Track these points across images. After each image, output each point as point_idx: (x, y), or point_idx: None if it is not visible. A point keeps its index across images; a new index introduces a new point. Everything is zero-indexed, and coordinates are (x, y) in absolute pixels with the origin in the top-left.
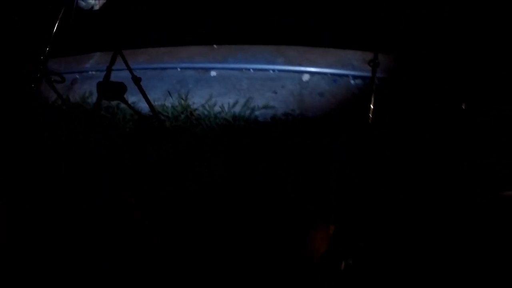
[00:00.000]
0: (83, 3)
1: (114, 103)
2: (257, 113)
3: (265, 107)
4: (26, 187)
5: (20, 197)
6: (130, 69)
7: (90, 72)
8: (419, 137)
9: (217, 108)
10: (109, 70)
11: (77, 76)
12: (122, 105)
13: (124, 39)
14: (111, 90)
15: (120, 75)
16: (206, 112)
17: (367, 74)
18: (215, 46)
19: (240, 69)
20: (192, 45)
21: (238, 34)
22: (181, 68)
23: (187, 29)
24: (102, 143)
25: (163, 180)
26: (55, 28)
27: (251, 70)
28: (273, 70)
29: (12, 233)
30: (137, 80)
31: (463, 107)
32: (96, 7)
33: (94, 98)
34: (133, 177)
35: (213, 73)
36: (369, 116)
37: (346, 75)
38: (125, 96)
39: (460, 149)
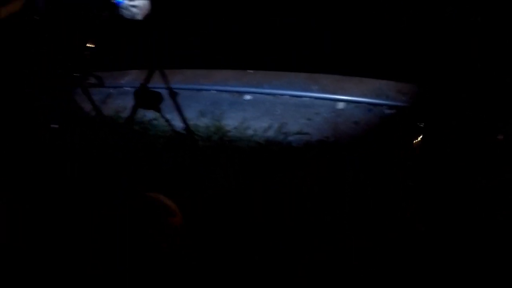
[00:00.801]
0: (125, 12)
1: (146, 118)
2: (290, 138)
3: (299, 133)
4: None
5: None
6: (167, 84)
7: (125, 88)
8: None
9: (250, 131)
10: (147, 80)
11: (112, 91)
12: (155, 122)
13: (162, 57)
14: (148, 98)
15: None
16: (239, 135)
17: (402, 104)
18: (250, 71)
19: (275, 95)
20: (227, 69)
21: (272, 61)
22: (216, 90)
23: (223, 53)
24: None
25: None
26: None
27: (286, 96)
28: (308, 97)
29: (30, 234)
30: (173, 94)
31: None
32: (139, 17)
33: (127, 112)
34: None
35: (247, 97)
36: (408, 145)
37: (381, 105)
38: (159, 114)
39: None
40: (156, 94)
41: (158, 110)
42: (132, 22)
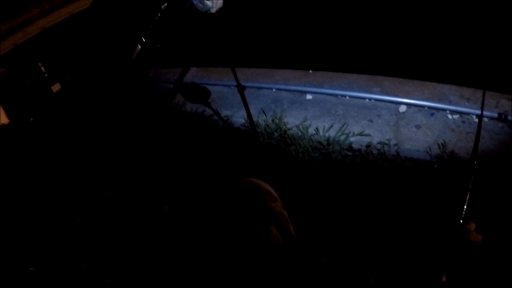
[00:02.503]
0: (199, 5)
1: (207, 114)
2: (352, 139)
3: (360, 134)
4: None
5: None
6: (236, 78)
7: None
8: None
9: (311, 130)
10: (183, 75)
11: (172, 87)
12: (215, 118)
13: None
14: (195, 93)
15: (215, 89)
16: (300, 133)
17: (465, 109)
18: (310, 71)
19: (336, 95)
20: (288, 68)
21: (333, 61)
22: (276, 89)
23: (283, 53)
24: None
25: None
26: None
27: (347, 97)
28: (369, 99)
29: None
30: (241, 89)
31: None
32: (213, 10)
33: (187, 107)
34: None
35: (308, 96)
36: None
37: (444, 109)
38: (218, 109)
39: None
40: (202, 89)
41: (206, 103)
42: (204, 15)
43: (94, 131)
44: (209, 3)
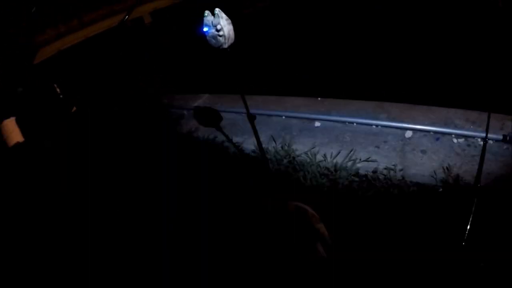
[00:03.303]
0: (213, 41)
1: (219, 140)
2: (358, 165)
3: (367, 160)
4: None
5: None
6: (247, 107)
7: (197, 110)
8: None
9: (319, 157)
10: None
11: (185, 113)
12: (227, 144)
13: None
14: (208, 116)
15: (226, 116)
16: (308, 160)
17: (470, 133)
18: (319, 98)
19: (344, 122)
20: (297, 96)
21: (341, 89)
22: (286, 117)
23: (293, 81)
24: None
25: None
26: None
27: (354, 124)
28: (376, 125)
29: None
30: (251, 118)
31: None
32: (225, 46)
33: (199, 132)
34: None
35: (317, 123)
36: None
37: (449, 134)
38: (230, 136)
39: None
40: (215, 113)
41: (218, 127)
42: (218, 50)
43: (107, 157)
44: (221, 39)
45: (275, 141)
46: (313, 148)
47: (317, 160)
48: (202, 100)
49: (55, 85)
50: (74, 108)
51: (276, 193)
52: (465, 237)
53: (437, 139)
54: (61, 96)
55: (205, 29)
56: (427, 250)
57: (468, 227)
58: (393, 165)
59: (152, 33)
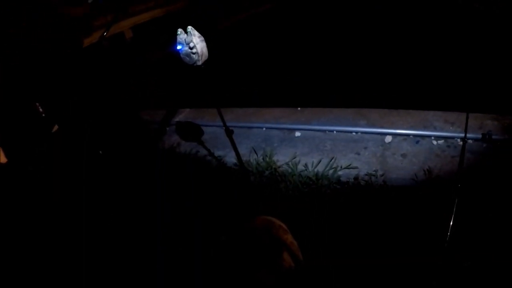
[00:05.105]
0: (187, 58)
1: (201, 154)
2: (340, 172)
3: (348, 167)
4: None
5: None
6: (224, 122)
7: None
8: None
9: (300, 167)
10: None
11: (167, 128)
12: (208, 158)
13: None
14: (189, 131)
15: (208, 130)
16: (290, 170)
17: (450, 134)
18: (299, 108)
19: (324, 131)
20: (277, 107)
21: (320, 97)
22: (266, 128)
23: (272, 92)
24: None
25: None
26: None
27: (334, 132)
28: (356, 132)
29: None
30: (229, 133)
31: None
32: (199, 63)
33: (181, 148)
34: None
35: (297, 133)
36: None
37: (429, 136)
38: (212, 150)
39: None
40: (196, 127)
41: (199, 141)
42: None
43: (90, 173)
44: (195, 56)
45: (256, 153)
46: (294, 158)
47: (298, 170)
48: (183, 115)
49: (37, 104)
50: (56, 128)
51: (258, 205)
52: (447, 238)
53: (417, 142)
54: (43, 115)
55: (178, 47)
56: (406, 255)
57: (450, 228)
58: (374, 171)
59: (133, 48)
